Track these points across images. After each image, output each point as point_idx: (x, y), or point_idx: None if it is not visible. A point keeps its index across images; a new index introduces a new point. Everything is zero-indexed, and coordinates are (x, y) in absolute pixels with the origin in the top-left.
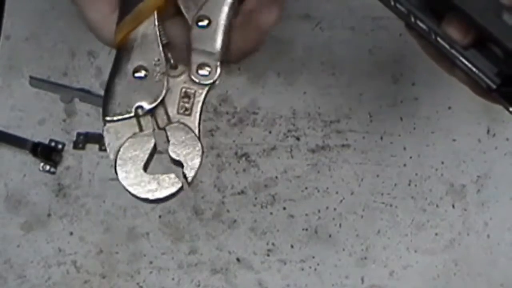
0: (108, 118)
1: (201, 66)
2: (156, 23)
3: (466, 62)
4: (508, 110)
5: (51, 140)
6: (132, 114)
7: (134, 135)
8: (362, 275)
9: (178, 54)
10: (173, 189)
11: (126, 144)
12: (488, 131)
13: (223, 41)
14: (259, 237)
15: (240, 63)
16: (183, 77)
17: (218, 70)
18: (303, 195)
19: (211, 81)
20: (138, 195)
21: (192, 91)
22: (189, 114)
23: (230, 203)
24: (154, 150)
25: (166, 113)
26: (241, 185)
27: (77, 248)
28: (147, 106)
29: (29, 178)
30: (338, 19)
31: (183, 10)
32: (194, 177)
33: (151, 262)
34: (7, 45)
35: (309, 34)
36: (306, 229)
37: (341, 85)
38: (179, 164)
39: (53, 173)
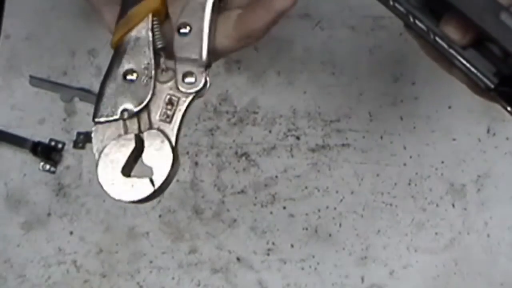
0: (96, 120)
1: (186, 74)
2: (150, 26)
3: (465, 62)
4: (506, 109)
5: (51, 140)
6: (118, 116)
7: (118, 137)
8: (362, 274)
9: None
10: (145, 194)
11: (109, 145)
12: (488, 131)
13: (207, 46)
14: (259, 236)
15: (240, 56)
16: (170, 84)
17: (203, 78)
18: (303, 195)
19: (196, 89)
20: (113, 196)
21: (176, 98)
22: (170, 122)
23: (230, 203)
24: (137, 152)
25: (149, 118)
26: (241, 185)
27: (77, 247)
28: (132, 109)
29: (29, 177)
30: (338, 18)
31: (171, 15)
32: (163, 185)
33: (151, 262)
34: (7, 45)
35: (309, 34)
36: (306, 229)
37: (341, 85)
38: (151, 170)
39: (53, 172)
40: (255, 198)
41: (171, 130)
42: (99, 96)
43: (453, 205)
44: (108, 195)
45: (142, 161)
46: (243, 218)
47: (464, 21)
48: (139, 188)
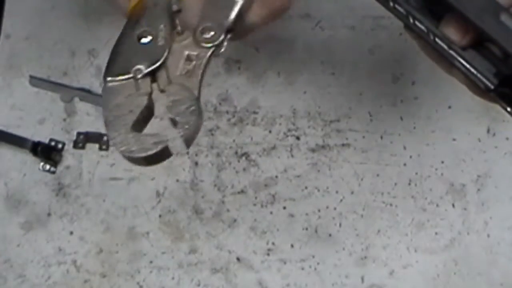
0: (108, 78)
1: (205, 29)
2: None
3: (464, 63)
4: (506, 110)
5: (51, 140)
6: (131, 75)
7: (129, 95)
8: (362, 274)
9: (189, 21)
10: (154, 150)
11: (120, 103)
12: (488, 131)
13: (238, 13)
14: (259, 236)
15: (240, 56)
16: (187, 41)
17: (221, 36)
18: (303, 195)
19: (214, 44)
20: (122, 153)
21: (195, 54)
22: (190, 76)
23: (230, 203)
24: (148, 111)
25: (168, 76)
26: (241, 185)
27: (77, 247)
28: (145, 69)
29: (29, 177)
30: (338, 18)
31: None
32: (191, 137)
33: (151, 262)
34: (7, 45)
35: (309, 34)
36: (306, 229)
37: (341, 85)
38: (175, 123)
39: (53, 172)
40: (255, 198)
41: (194, 83)
42: (112, 55)
43: (453, 205)
44: (119, 152)
45: (166, 115)
46: (243, 218)
47: (464, 22)
48: (149, 145)
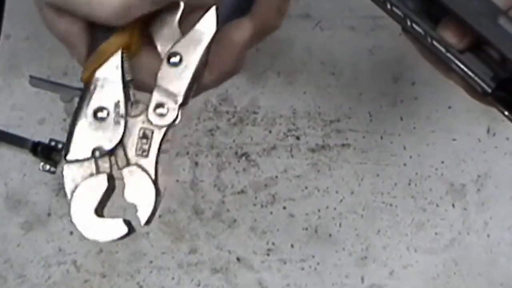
0: (67, 159)
1: (158, 105)
2: (120, 62)
3: (462, 66)
4: (503, 113)
5: (51, 140)
6: (89, 156)
7: (90, 176)
8: (362, 274)
9: (144, 89)
10: (118, 235)
11: (81, 185)
12: (488, 131)
13: (190, 83)
14: (259, 236)
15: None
16: (142, 117)
17: (175, 112)
18: (303, 195)
19: (167, 123)
20: (87, 236)
21: (150, 131)
22: (146, 156)
23: (230, 203)
24: (109, 191)
25: (125, 154)
26: (241, 185)
27: (77, 247)
28: (104, 148)
29: (29, 177)
30: (338, 18)
31: (157, 44)
32: (149, 219)
33: (151, 262)
34: (7, 45)
35: (309, 34)
36: (306, 229)
37: (341, 85)
38: (135, 206)
39: (53, 172)
40: (255, 198)
41: (149, 164)
42: (70, 134)
43: (453, 205)
44: (83, 235)
45: (124, 198)
46: (243, 218)
47: (462, 25)
48: (113, 229)
